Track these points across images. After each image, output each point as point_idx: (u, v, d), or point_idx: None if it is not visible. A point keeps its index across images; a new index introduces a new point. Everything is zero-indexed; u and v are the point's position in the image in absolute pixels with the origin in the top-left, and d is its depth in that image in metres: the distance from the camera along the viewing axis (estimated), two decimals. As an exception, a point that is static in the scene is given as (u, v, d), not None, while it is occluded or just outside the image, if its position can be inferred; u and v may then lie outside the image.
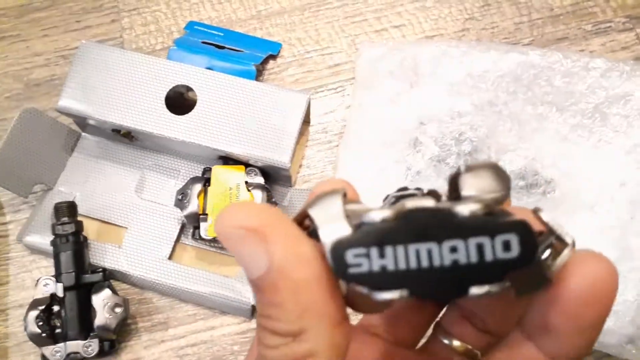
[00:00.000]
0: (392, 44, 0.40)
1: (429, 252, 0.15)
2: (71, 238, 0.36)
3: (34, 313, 0.34)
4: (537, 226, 0.16)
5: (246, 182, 0.37)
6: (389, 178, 0.35)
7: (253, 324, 0.37)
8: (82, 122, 0.40)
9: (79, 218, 0.38)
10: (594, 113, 0.37)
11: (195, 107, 0.37)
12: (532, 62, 0.38)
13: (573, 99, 0.37)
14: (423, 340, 0.22)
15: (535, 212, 0.16)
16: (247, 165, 0.38)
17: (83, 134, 0.42)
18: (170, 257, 0.38)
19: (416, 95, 0.37)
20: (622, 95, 0.37)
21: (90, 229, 0.39)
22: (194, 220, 0.36)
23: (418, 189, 0.18)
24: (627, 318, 0.32)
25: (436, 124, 0.36)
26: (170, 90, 0.38)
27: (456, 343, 0.20)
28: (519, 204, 0.34)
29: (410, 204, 0.15)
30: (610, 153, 0.36)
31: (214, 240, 0.36)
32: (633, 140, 0.37)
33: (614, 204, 0.35)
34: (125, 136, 0.40)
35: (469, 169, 0.16)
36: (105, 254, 0.38)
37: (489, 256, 0.15)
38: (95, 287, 0.35)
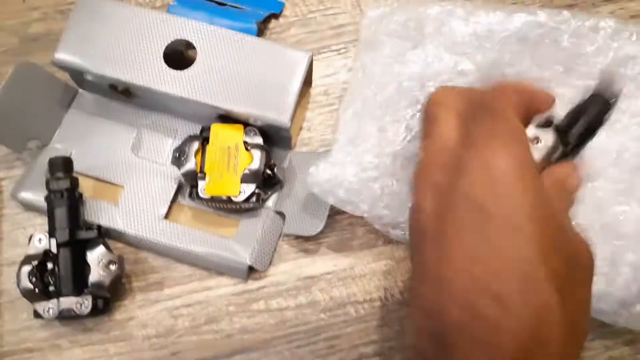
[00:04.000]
0: (397, 4, 0.39)
1: None
2: (66, 194, 0.35)
3: (26, 268, 0.34)
4: None
5: (245, 142, 0.36)
6: (388, 138, 0.34)
7: (249, 285, 0.36)
8: (79, 77, 0.39)
9: (75, 175, 0.37)
10: (601, 75, 0.36)
11: (195, 63, 0.36)
12: (539, 22, 0.36)
13: (580, 60, 0.36)
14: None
15: None
16: (246, 124, 0.37)
17: (80, 90, 0.41)
18: (166, 217, 0.37)
19: (419, 54, 0.36)
20: (631, 57, 0.36)
21: (85, 187, 0.38)
22: (192, 179, 0.35)
23: None
24: (619, 282, 0.32)
25: (438, 83, 0.35)
26: (170, 47, 0.37)
27: None
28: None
29: None
30: (616, 116, 0.34)
31: (211, 200, 0.35)
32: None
33: (617, 169, 0.34)
34: (123, 93, 0.39)
35: None
36: (100, 212, 0.37)
37: None
38: (90, 244, 0.34)
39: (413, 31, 0.37)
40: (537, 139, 0.30)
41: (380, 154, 0.34)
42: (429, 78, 0.35)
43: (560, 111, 0.33)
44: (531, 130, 0.30)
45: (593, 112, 0.32)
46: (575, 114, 0.32)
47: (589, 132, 0.32)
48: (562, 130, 0.31)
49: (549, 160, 0.30)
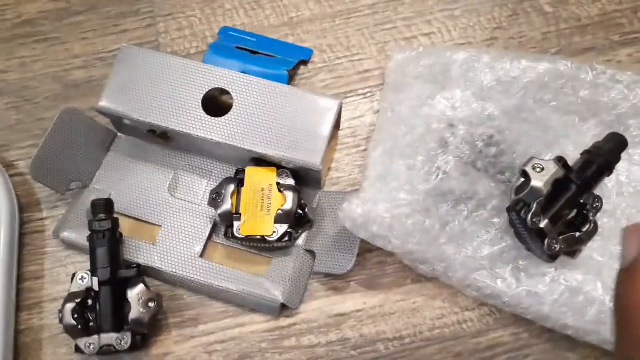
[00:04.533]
0: (422, 49, 0.41)
1: None
2: (107, 234, 0.36)
3: (70, 305, 0.35)
4: None
5: (277, 183, 0.38)
6: (419, 175, 0.36)
7: (280, 321, 0.38)
8: (118, 122, 0.41)
9: (114, 215, 0.39)
10: (615, 124, 0.37)
11: (231, 110, 0.38)
12: (560, 71, 0.38)
13: (597, 109, 0.38)
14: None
15: None
16: (278, 166, 0.38)
17: (119, 134, 0.43)
18: (201, 255, 0.39)
19: (446, 97, 0.38)
20: None
21: (124, 226, 0.39)
22: (227, 219, 0.37)
23: None
24: None
25: (466, 126, 0.37)
26: (207, 93, 0.39)
27: None
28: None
29: None
30: (628, 165, 0.36)
31: (245, 239, 0.37)
32: None
33: (635, 211, 0.36)
34: (160, 136, 0.41)
35: None
36: (138, 251, 0.39)
37: None
38: (130, 282, 0.36)
39: (439, 75, 0.39)
40: (539, 167, 0.32)
41: (412, 191, 0.35)
42: (458, 121, 0.37)
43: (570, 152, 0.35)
44: (534, 160, 0.32)
45: (606, 154, 0.34)
46: (587, 156, 0.34)
47: (600, 173, 0.33)
48: (573, 169, 0.33)
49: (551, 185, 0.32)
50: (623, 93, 0.37)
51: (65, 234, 0.39)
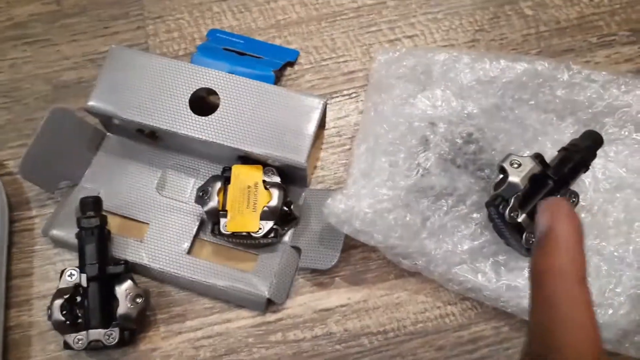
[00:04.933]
0: (405, 50, 0.42)
1: None
2: (96, 231, 0.37)
3: (59, 302, 0.36)
4: None
5: (264, 181, 0.39)
6: (400, 172, 0.37)
7: (267, 317, 0.38)
8: (107, 122, 0.42)
9: (103, 213, 0.39)
10: (592, 122, 0.39)
11: (218, 109, 0.39)
12: (538, 71, 0.39)
13: (573, 108, 0.39)
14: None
15: None
16: (265, 165, 0.39)
17: (108, 134, 0.44)
18: (189, 252, 0.39)
19: (428, 97, 0.39)
20: (619, 107, 0.38)
21: (113, 224, 0.40)
22: (214, 216, 0.38)
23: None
24: (620, 312, 0.33)
25: (446, 124, 0.38)
26: (195, 93, 0.40)
27: None
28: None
29: None
30: (604, 162, 0.37)
31: (232, 236, 0.37)
32: (628, 148, 0.38)
33: (611, 207, 0.37)
34: (148, 136, 0.42)
35: None
36: (127, 248, 0.39)
37: None
38: (118, 279, 0.36)
39: (421, 75, 0.40)
40: (516, 163, 0.33)
41: (393, 187, 0.36)
42: (439, 119, 0.38)
43: (548, 150, 0.36)
44: (511, 157, 0.34)
45: (582, 151, 0.35)
46: (564, 153, 0.35)
47: (576, 169, 0.35)
48: (550, 166, 0.34)
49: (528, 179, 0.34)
50: (598, 92, 0.39)
51: (54, 232, 0.40)
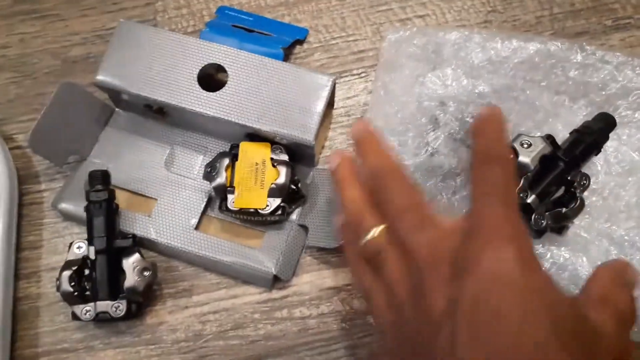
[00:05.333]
0: (416, 29, 0.42)
1: None
2: (104, 204, 0.37)
3: (67, 273, 0.36)
4: None
5: (271, 159, 0.38)
6: (409, 151, 0.37)
7: (273, 294, 0.38)
8: (116, 97, 0.42)
9: (111, 188, 0.39)
10: (605, 104, 0.38)
11: (226, 85, 0.39)
12: (550, 51, 0.39)
13: (586, 90, 0.39)
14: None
15: None
16: (273, 142, 0.39)
17: (117, 109, 0.44)
18: (196, 228, 0.39)
19: (437, 76, 0.38)
20: (633, 89, 0.38)
21: (121, 199, 0.40)
22: (222, 192, 0.38)
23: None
24: None
25: (456, 103, 0.37)
26: (203, 69, 0.40)
27: None
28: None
29: None
30: (617, 145, 0.37)
31: (239, 212, 0.38)
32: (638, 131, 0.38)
33: (623, 191, 0.36)
34: (157, 112, 0.42)
35: None
36: (134, 223, 0.39)
37: None
38: (126, 252, 0.37)
39: (432, 54, 0.40)
40: (526, 144, 0.33)
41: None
42: (449, 99, 0.38)
43: (560, 131, 0.35)
44: (522, 137, 0.33)
45: (595, 133, 0.35)
46: (576, 135, 0.35)
47: (588, 151, 0.34)
48: (561, 147, 0.34)
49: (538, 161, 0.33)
50: (612, 74, 0.38)
51: (63, 206, 0.40)
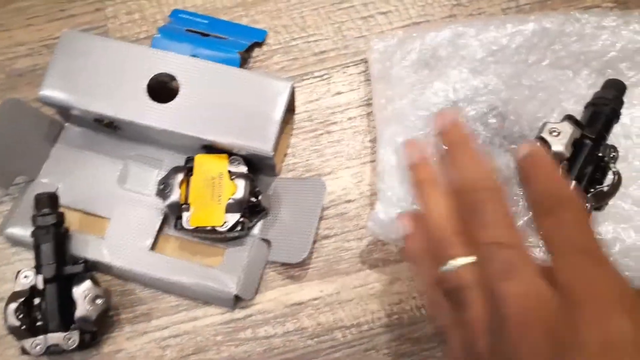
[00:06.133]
0: (402, 33, 0.40)
1: None
2: (52, 229, 0.35)
3: (13, 305, 0.34)
4: None
5: (229, 171, 0.36)
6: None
7: (236, 313, 0.37)
8: (65, 112, 0.40)
9: (61, 209, 0.37)
10: (608, 69, 0.37)
11: (178, 95, 0.37)
12: (547, 29, 0.38)
13: (587, 59, 0.38)
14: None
15: None
16: (230, 154, 0.37)
17: (66, 124, 0.41)
18: (152, 248, 0.37)
19: (444, 82, 0.37)
20: (633, 49, 0.37)
21: (72, 220, 0.38)
22: (176, 210, 0.36)
23: None
24: None
25: (471, 105, 0.37)
26: (154, 79, 0.37)
27: None
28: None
29: None
30: (628, 106, 0.35)
31: (196, 230, 0.36)
32: None
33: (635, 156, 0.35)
34: (108, 126, 0.39)
35: None
36: (87, 245, 0.37)
37: None
38: (76, 279, 0.35)
39: (430, 59, 0.39)
40: (555, 132, 0.31)
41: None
42: (463, 102, 0.36)
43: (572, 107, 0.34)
44: (548, 125, 0.32)
45: (610, 102, 0.33)
46: (593, 109, 0.33)
47: (610, 122, 0.33)
48: (584, 125, 0.33)
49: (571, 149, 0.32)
50: (610, 39, 0.37)
51: (10, 231, 0.38)
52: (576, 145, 0.32)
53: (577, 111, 0.34)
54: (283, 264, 0.37)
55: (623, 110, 0.36)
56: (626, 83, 0.35)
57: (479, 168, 0.25)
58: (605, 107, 0.33)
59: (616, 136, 0.36)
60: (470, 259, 0.23)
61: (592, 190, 0.32)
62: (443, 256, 0.24)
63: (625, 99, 0.35)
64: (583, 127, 0.33)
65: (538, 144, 0.29)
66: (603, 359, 0.19)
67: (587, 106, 0.34)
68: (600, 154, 0.32)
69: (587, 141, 0.32)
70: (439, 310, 0.25)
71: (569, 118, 0.33)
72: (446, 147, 0.27)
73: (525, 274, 0.22)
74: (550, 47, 0.38)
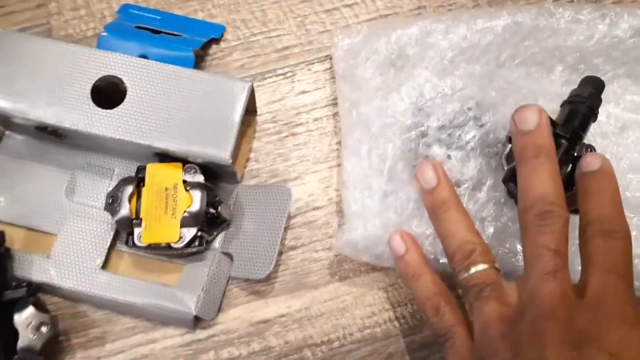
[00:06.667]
0: (367, 29, 0.37)
1: None
2: (-11, 251, 0.32)
3: (-52, 336, 0.31)
4: None
5: (184, 181, 0.34)
6: (403, 179, 0.34)
7: (197, 334, 0.34)
8: (4, 119, 0.36)
9: (2, 227, 0.34)
10: (582, 65, 0.35)
11: (125, 100, 0.34)
12: (519, 23, 0.36)
13: (561, 55, 0.36)
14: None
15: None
16: (185, 162, 0.34)
17: (7, 132, 0.38)
18: (104, 266, 0.34)
19: (412, 87, 0.35)
20: (609, 44, 0.35)
21: (16, 238, 0.35)
22: (127, 226, 0.33)
23: None
24: None
25: (440, 109, 0.34)
26: (103, 81, 0.34)
27: None
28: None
29: None
30: (603, 102, 0.33)
31: (149, 247, 0.33)
32: (625, 85, 0.36)
33: (622, 148, 0.34)
34: (52, 134, 0.36)
35: None
36: (32, 266, 0.34)
37: None
38: (18, 305, 0.32)
39: (396, 59, 0.36)
40: None
41: (400, 197, 0.34)
42: (431, 108, 0.34)
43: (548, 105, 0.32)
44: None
45: (587, 100, 0.31)
46: (569, 107, 0.31)
47: (586, 120, 0.31)
48: (558, 124, 0.31)
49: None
50: (584, 34, 0.35)
51: (-54, 252, 0.35)
52: None
53: (553, 109, 0.32)
54: (247, 279, 0.35)
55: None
56: (602, 78, 0.33)
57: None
58: (581, 105, 0.31)
59: (592, 135, 0.34)
60: (486, 265, 0.28)
61: (568, 192, 0.30)
62: (470, 262, 0.28)
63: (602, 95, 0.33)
64: (555, 126, 0.31)
65: (607, 157, 0.29)
66: (616, 358, 0.24)
67: (563, 104, 0.32)
68: (576, 154, 0.30)
69: (562, 141, 0.30)
70: (441, 315, 0.29)
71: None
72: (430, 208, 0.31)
73: (565, 278, 0.26)
74: (523, 43, 0.35)
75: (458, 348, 0.28)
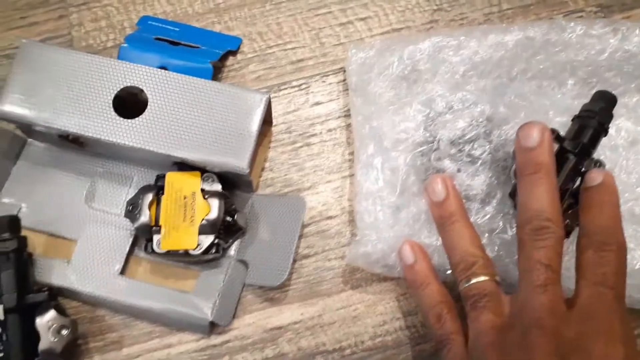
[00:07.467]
0: (380, 43, 0.38)
1: None
2: (13, 256, 0.33)
3: (-28, 338, 0.31)
4: None
5: (202, 190, 0.35)
6: (416, 193, 0.34)
7: (212, 339, 0.35)
8: (27, 127, 0.37)
9: (24, 232, 0.35)
10: (593, 79, 0.36)
11: (146, 110, 0.35)
12: (531, 38, 0.37)
13: (573, 69, 0.36)
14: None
15: None
16: (203, 171, 0.35)
17: (29, 140, 0.39)
18: (122, 272, 0.35)
19: (423, 103, 0.36)
20: (620, 59, 0.36)
21: (37, 244, 0.36)
22: (146, 233, 0.34)
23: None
24: None
25: (451, 124, 0.35)
26: (123, 91, 0.35)
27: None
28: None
29: None
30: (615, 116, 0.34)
31: (168, 254, 0.34)
32: (632, 99, 0.36)
33: (632, 162, 0.34)
34: (73, 142, 0.37)
35: None
36: (52, 271, 0.35)
37: None
38: (40, 308, 0.32)
39: (409, 73, 0.37)
40: None
41: (411, 211, 0.34)
42: (444, 123, 0.35)
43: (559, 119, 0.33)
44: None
45: (597, 115, 0.32)
46: (579, 122, 0.32)
47: (596, 136, 0.32)
48: (566, 139, 0.32)
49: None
50: (596, 48, 0.36)
51: (-31, 256, 0.35)
52: (558, 159, 0.31)
53: (565, 124, 0.33)
54: (261, 286, 0.36)
55: None
56: (613, 92, 0.33)
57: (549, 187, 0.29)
58: (591, 120, 0.32)
59: (602, 148, 0.35)
60: (486, 277, 0.29)
61: (575, 207, 0.31)
62: (471, 273, 0.30)
63: None
64: (563, 141, 0.31)
65: (609, 173, 0.30)
66: None
67: (574, 119, 0.33)
68: (584, 169, 0.31)
69: (570, 156, 0.31)
70: (442, 322, 0.30)
71: (552, 132, 0.32)
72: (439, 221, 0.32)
73: (556, 291, 0.27)
74: (535, 58, 0.36)
75: (454, 355, 0.29)
